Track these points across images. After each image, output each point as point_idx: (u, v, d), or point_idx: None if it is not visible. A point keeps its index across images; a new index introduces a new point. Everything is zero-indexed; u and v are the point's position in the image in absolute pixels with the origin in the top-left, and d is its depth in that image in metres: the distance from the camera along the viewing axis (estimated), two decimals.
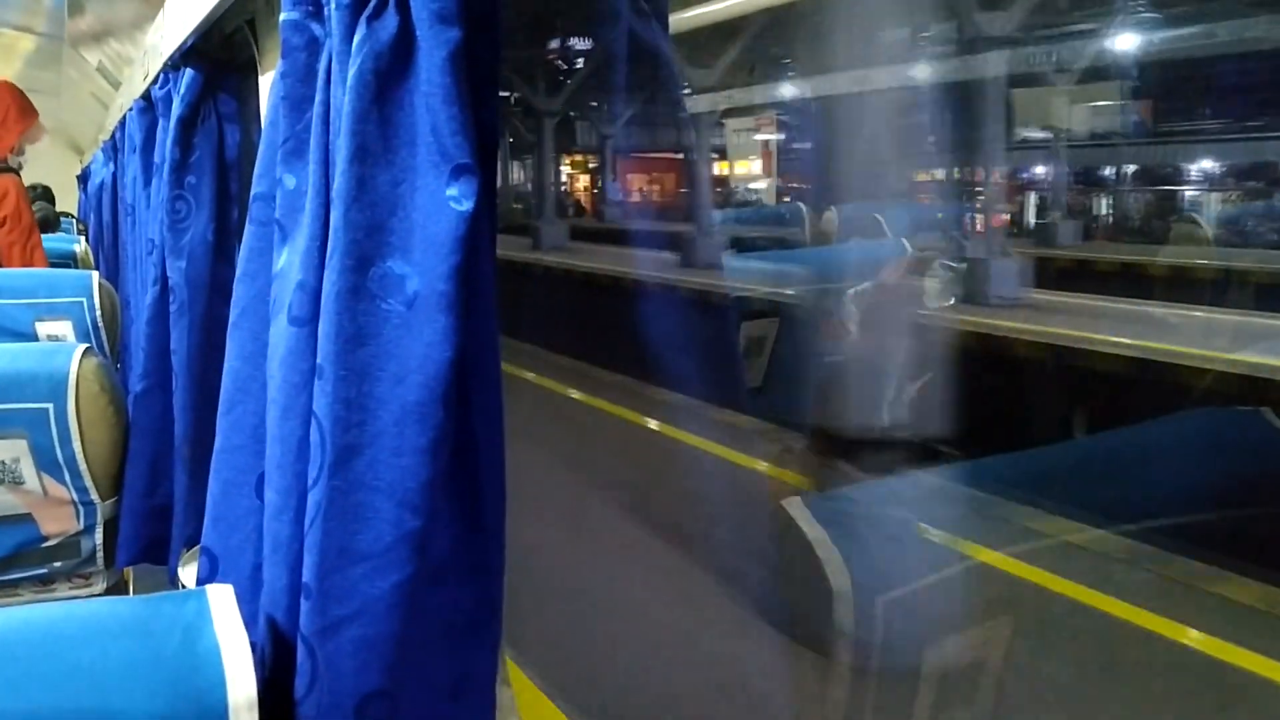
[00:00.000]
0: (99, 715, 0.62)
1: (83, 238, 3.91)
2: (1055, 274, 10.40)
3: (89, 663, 0.65)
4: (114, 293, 2.07)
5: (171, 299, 1.50)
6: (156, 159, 1.62)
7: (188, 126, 1.45)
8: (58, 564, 1.49)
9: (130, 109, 2.12)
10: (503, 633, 0.79)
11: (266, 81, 1.07)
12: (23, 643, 0.66)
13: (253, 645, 0.68)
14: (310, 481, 0.68)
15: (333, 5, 0.69)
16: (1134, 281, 10.43)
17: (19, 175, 3.04)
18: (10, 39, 3.80)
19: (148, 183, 1.76)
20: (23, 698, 0.62)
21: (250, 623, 0.70)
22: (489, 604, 0.75)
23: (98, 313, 1.95)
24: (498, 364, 0.72)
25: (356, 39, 0.67)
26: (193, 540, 1.45)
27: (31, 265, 2.88)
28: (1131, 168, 18.17)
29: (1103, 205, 17.76)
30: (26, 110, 3.10)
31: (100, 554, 1.51)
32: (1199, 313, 7.60)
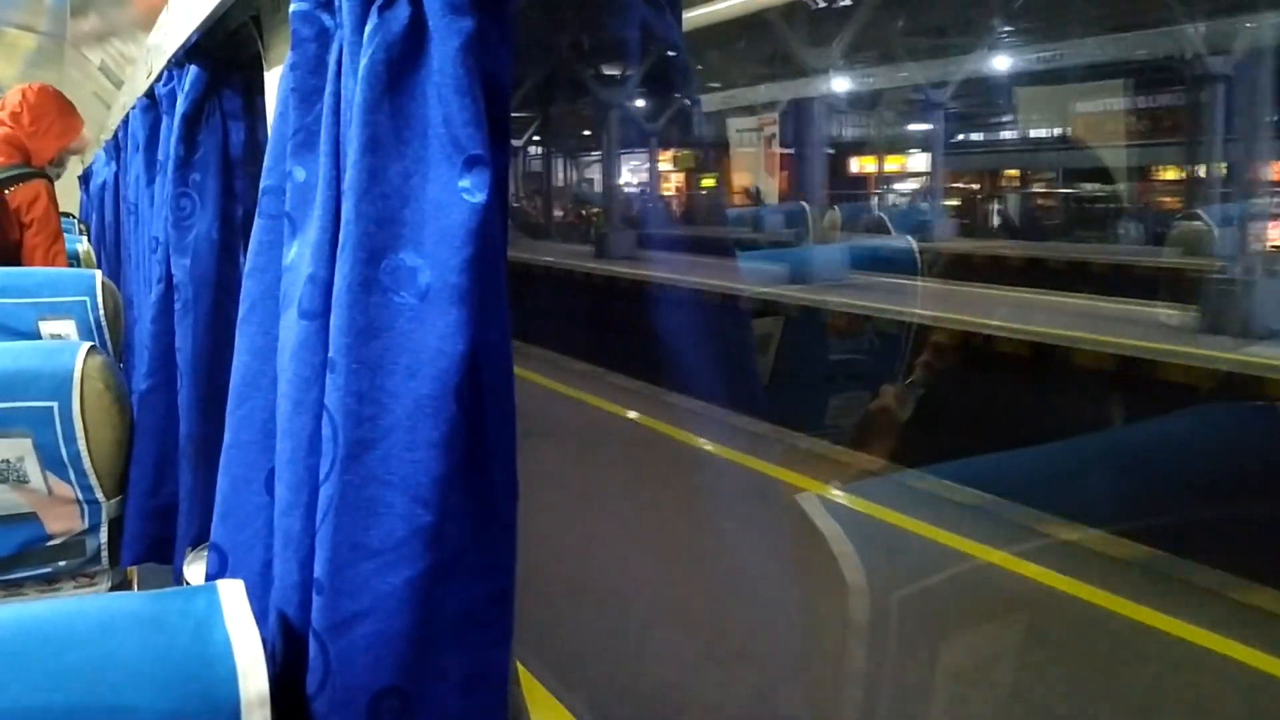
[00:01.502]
0: (110, 711, 0.62)
1: (85, 238, 3.91)
2: None
3: (100, 659, 0.64)
4: (117, 292, 2.06)
5: (176, 297, 1.50)
6: (160, 156, 1.61)
7: (192, 123, 1.45)
8: (62, 563, 1.48)
9: (133, 107, 2.11)
10: (514, 629, 0.79)
11: (272, 77, 1.06)
12: (33, 639, 0.65)
13: (263, 641, 0.67)
14: (321, 476, 0.68)
15: None
16: None
17: (52, 182, 3.05)
18: (12, 38, 3.80)
19: (151, 181, 1.75)
20: (34, 694, 0.62)
21: (261, 619, 0.70)
22: (501, 600, 0.75)
23: (101, 312, 1.95)
24: (510, 357, 0.72)
25: (368, 29, 0.66)
26: (198, 539, 1.44)
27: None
28: None
29: None
30: (70, 123, 3.10)
31: (105, 553, 1.51)
32: None
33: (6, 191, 2.85)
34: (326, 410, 0.67)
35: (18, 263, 2.83)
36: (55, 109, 3.04)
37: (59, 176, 3.17)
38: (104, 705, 0.63)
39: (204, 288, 1.45)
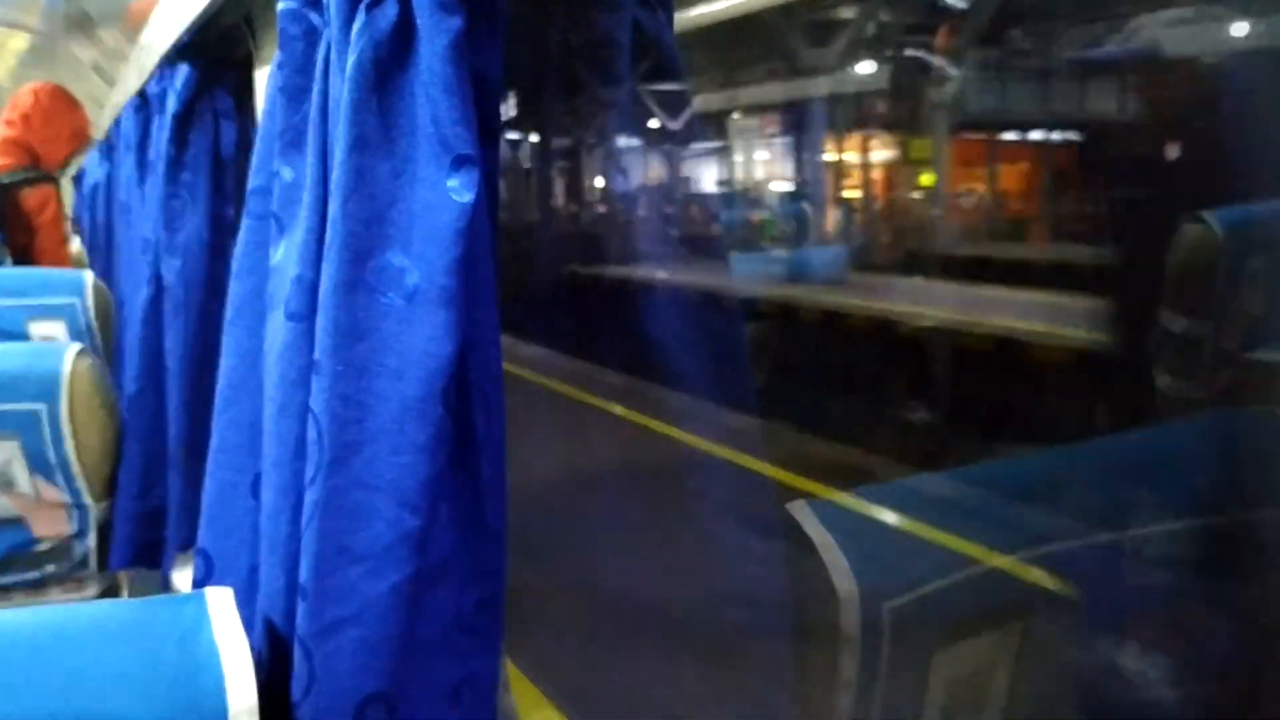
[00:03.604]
0: None
1: (77, 238, 3.89)
2: None
3: (85, 667, 0.63)
4: (108, 293, 2.04)
5: (166, 298, 1.49)
6: (151, 157, 1.60)
7: (183, 123, 1.44)
8: (50, 568, 1.47)
9: (125, 107, 2.10)
10: (504, 635, 0.78)
11: (263, 77, 1.05)
12: (17, 646, 0.64)
13: (250, 648, 0.66)
14: (307, 480, 0.67)
15: None
16: None
17: (59, 186, 3.03)
18: (3, 37, 3.78)
19: (142, 181, 1.74)
20: (17, 702, 0.61)
21: (247, 625, 0.69)
22: (490, 606, 0.74)
23: (91, 313, 1.93)
24: (499, 360, 0.71)
25: (355, 27, 0.65)
26: (187, 543, 1.43)
27: None
28: None
29: None
30: (80, 126, 3.06)
31: (93, 558, 1.49)
32: None
33: (18, 195, 2.83)
34: (312, 413, 0.66)
35: (26, 265, 2.82)
36: (66, 111, 2.99)
37: (63, 176, 3.15)
38: (90, 714, 0.62)
39: (194, 289, 1.45)
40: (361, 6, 0.65)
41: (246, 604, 0.77)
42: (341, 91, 0.66)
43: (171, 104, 1.44)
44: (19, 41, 3.86)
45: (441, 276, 0.63)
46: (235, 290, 0.85)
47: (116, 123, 2.48)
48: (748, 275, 10.74)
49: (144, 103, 1.77)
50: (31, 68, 4.09)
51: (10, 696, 0.61)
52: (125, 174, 2.07)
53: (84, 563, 1.48)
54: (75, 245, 3.49)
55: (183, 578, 1.38)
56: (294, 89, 0.75)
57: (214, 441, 0.85)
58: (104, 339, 1.94)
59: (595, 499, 4.64)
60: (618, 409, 6.56)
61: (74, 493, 1.44)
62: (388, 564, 0.65)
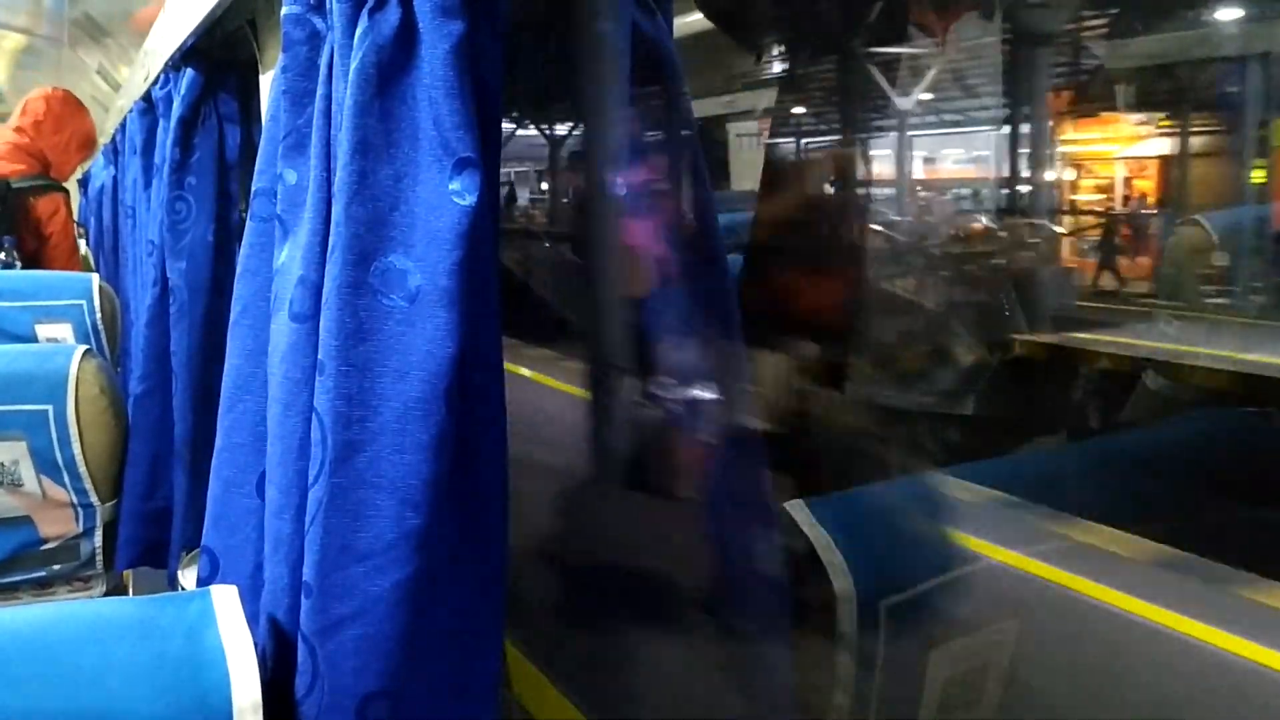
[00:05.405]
0: (101, 716, 0.62)
1: (83, 241, 3.91)
2: None
3: (92, 663, 0.64)
4: (114, 295, 2.06)
5: (171, 300, 1.50)
6: (156, 160, 1.61)
7: (188, 127, 1.45)
8: (57, 567, 1.48)
9: (130, 110, 2.11)
10: (504, 633, 0.78)
11: (267, 80, 1.06)
12: (25, 643, 0.65)
13: (255, 645, 0.67)
14: (311, 479, 0.68)
15: None
16: None
17: (68, 194, 3.04)
18: (9, 41, 3.80)
19: (148, 184, 1.75)
20: (24, 699, 0.61)
21: (252, 622, 0.70)
22: (491, 604, 0.75)
23: (98, 315, 1.95)
24: (500, 361, 0.72)
25: (358, 32, 0.66)
26: (192, 543, 1.44)
27: None
28: None
29: None
30: (90, 135, 3.08)
31: (99, 557, 1.51)
32: None
33: (29, 201, 2.85)
34: (316, 413, 0.67)
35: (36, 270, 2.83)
36: (76, 118, 2.99)
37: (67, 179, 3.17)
38: (94, 711, 0.62)
39: (199, 291, 1.46)
40: (364, 11, 0.66)
41: (251, 601, 0.77)
42: (344, 95, 0.67)
43: (176, 108, 1.45)
44: (25, 46, 3.88)
45: (443, 279, 0.64)
46: (240, 291, 0.86)
47: (121, 126, 2.49)
48: None
49: (149, 106, 1.78)
50: (37, 72, 4.11)
51: (17, 692, 0.62)
52: (131, 177, 2.08)
53: (90, 562, 1.49)
54: (82, 248, 3.51)
55: (189, 577, 1.39)
56: (297, 93, 0.76)
57: (219, 441, 0.86)
58: (110, 341, 1.96)
59: None
60: None
61: (80, 493, 1.45)
62: (390, 562, 0.65)
